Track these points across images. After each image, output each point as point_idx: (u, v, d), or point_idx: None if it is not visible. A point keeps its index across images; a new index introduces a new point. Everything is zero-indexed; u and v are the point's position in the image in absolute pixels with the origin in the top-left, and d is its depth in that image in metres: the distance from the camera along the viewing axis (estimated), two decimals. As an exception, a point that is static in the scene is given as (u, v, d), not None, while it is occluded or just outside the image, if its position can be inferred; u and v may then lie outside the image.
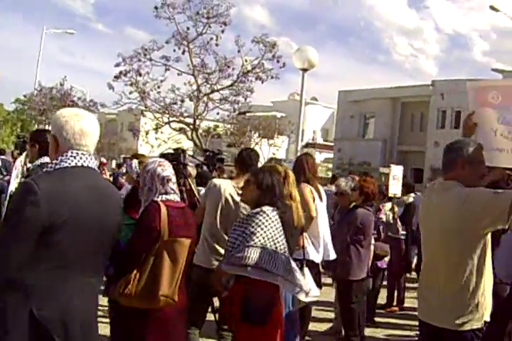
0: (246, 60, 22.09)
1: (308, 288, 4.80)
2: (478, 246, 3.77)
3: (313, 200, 6.48)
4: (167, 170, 4.20)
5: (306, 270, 5.79)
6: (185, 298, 4.15)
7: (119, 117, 51.72)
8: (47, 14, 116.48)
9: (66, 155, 3.01)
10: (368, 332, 7.47)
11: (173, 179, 4.23)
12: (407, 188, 10.38)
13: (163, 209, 3.96)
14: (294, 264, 4.69)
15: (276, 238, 4.52)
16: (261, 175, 4.80)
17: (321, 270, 7.26)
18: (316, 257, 6.54)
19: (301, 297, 4.73)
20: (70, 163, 2.99)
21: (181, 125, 23.74)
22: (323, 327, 7.92)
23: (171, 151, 7.48)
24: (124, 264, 3.83)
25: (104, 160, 15.83)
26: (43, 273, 2.83)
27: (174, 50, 22.08)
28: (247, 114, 29.63)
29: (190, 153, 23.53)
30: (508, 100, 4.28)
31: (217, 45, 22.15)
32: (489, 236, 3.85)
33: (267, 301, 4.48)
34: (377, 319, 8.49)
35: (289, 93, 52.29)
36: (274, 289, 4.56)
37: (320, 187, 6.87)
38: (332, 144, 44.11)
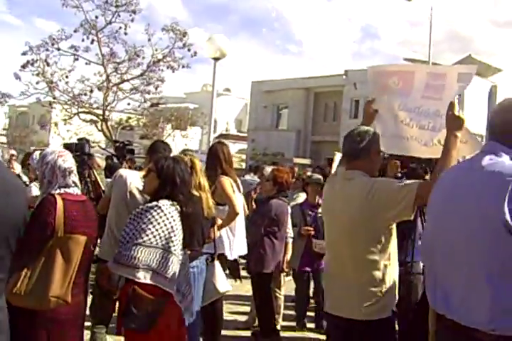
0: (156, 49, 21.75)
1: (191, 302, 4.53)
2: (383, 237, 3.74)
3: (233, 192, 6.19)
4: (68, 161, 3.92)
5: (216, 263, 5.57)
6: (83, 298, 3.90)
7: (30, 110, 50.30)
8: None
9: None
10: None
11: (75, 171, 3.95)
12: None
13: (60, 203, 3.69)
14: (185, 267, 4.42)
15: (170, 237, 4.17)
16: (162, 163, 4.43)
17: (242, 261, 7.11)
18: (229, 252, 6.30)
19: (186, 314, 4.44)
20: None
21: (91, 116, 23.04)
22: (240, 320, 7.75)
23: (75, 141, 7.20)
24: (16, 261, 3.43)
25: (13, 152, 15.39)
26: None
27: (83, 40, 21.51)
28: (160, 106, 29.18)
29: (103, 144, 23.03)
30: (407, 86, 4.19)
31: (126, 33, 21.67)
32: (394, 226, 3.82)
33: (152, 307, 4.07)
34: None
35: (202, 84, 52.06)
36: (163, 294, 4.16)
37: (237, 178, 6.61)
38: (245, 135, 44.07)
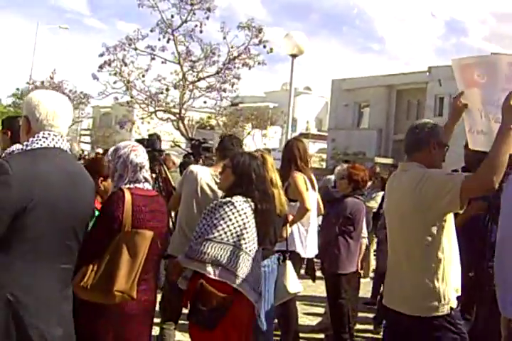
0: (232, 47, 21.67)
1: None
2: (435, 229, 3.65)
3: (307, 189, 6.10)
4: (140, 155, 3.85)
5: (288, 263, 5.45)
6: (152, 295, 3.82)
7: (113, 110, 51.64)
8: (42, 10, 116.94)
9: (38, 136, 2.99)
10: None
11: (147, 166, 3.89)
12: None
13: (128, 198, 3.63)
14: (258, 265, 4.34)
15: (242, 234, 4.13)
16: (238, 159, 4.41)
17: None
18: (302, 250, 6.18)
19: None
20: (41, 144, 2.98)
21: (168, 115, 23.30)
22: (313, 322, 7.60)
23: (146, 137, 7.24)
24: (83, 254, 3.42)
25: (100, 150, 15.81)
26: (14, 257, 2.82)
27: (159, 39, 21.74)
28: (240, 105, 29.37)
29: (184, 144, 23.30)
30: (491, 79, 3.93)
31: (201, 32, 21.75)
32: (451, 221, 3.72)
33: (219, 304, 4.02)
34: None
35: (282, 83, 52.03)
36: (232, 291, 4.11)
37: (312, 175, 6.47)
38: (326, 134, 43.74)
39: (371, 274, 10.58)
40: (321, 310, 7.88)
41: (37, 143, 2.98)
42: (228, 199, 4.21)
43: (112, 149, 3.93)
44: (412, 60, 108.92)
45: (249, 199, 4.26)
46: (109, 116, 54.68)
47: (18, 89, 36.48)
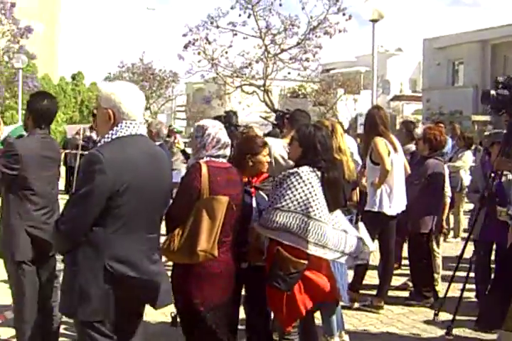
0: (311, 17, 21.75)
1: (358, 249, 4.65)
2: None
3: (389, 153, 6.40)
4: (225, 134, 4.26)
5: (360, 225, 5.68)
6: (232, 256, 4.20)
7: (205, 86, 52.24)
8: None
9: (121, 126, 3.36)
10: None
11: (229, 145, 4.29)
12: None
13: (205, 169, 4.04)
14: (332, 228, 4.51)
15: (309, 202, 4.37)
16: (303, 131, 4.66)
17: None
18: (389, 210, 6.47)
19: (342, 260, 4.60)
20: (125, 133, 3.36)
21: (254, 88, 23.65)
22: (397, 282, 7.77)
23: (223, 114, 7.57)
24: (169, 222, 4.02)
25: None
26: (111, 231, 3.26)
27: (240, 15, 22.15)
28: (331, 71, 29.25)
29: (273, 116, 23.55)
30: None
31: (280, 5, 21.95)
32: None
33: (294, 269, 4.35)
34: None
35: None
36: (305, 256, 4.40)
37: (394, 139, 6.72)
38: (420, 95, 42.81)
39: (462, 234, 10.57)
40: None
41: (121, 132, 3.36)
42: (295, 169, 4.47)
43: (198, 126, 4.31)
44: (508, 12, 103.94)
45: (315, 169, 4.49)
46: (202, 92, 55.40)
47: (109, 73, 37.45)
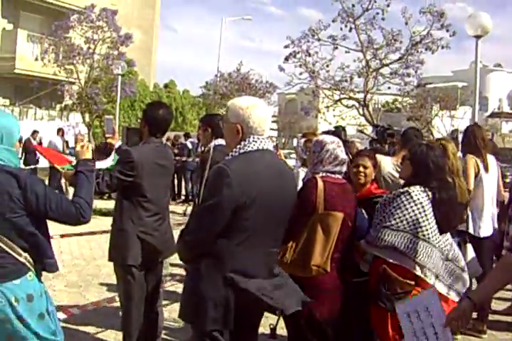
0: (414, 32, 21.48)
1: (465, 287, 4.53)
2: None
3: (478, 172, 6.23)
4: (343, 151, 4.31)
5: (468, 246, 5.54)
6: (341, 274, 4.20)
7: (297, 97, 52.37)
8: (224, 2, 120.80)
9: (249, 141, 3.43)
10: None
11: (347, 162, 4.35)
12: None
13: (320, 185, 4.09)
14: (441, 253, 4.41)
15: (419, 222, 4.30)
16: (415, 150, 4.61)
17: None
18: (480, 231, 6.25)
19: (443, 290, 4.40)
20: (252, 147, 3.42)
21: (353, 102, 23.53)
22: (500, 306, 7.55)
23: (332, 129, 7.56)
24: (284, 235, 3.97)
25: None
26: (235, 243, 3.32)
27: (341, 28, 22.10)
28: (426, 86, 28.73)
29: (370, 129, 23.41)
30: None
31: (383, 19, 21.74)
32: None
33: (401, 289, 4.28)
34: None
35: (471, 61, 49.92)
36: (413, 277, 4.33)
37: (490, 157, 6.53)
38: (520, 112, 41.47)
39: None
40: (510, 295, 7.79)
41: (248, 147, 3.43)
42: (406, 189, 4.42)
43: (316, 141, 4.36)
44: None
45: (426, 189, 4.43)
46: (295, 103, 55.44)
47: (206, 82, 37.98)
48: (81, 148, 3.67)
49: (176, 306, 6.93)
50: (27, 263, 3.25)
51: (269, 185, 3.39)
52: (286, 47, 22.67)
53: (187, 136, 19.51)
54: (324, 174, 4.20)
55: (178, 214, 13.96)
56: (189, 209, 14.67)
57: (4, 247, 3.18)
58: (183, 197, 18.17)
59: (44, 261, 3.34)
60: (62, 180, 15.13)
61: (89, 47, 25.88)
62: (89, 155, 3.64)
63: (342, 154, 4.27)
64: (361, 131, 12.74)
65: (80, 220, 3.30)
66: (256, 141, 3.44)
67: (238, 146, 3.44)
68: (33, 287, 3.27)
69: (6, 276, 3.18)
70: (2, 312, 3.16)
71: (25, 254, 3.25)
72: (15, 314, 3.17)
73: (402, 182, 4.87)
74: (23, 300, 3.20)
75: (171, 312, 6.36)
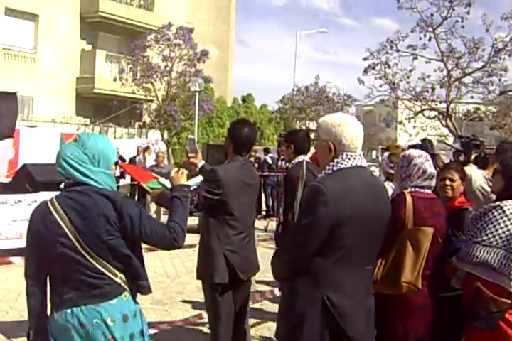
0: (496, 39, 21.04)
1: None
2: None
3: None
4: (431, 165, 4.20)
5: None
6: (431, 292, 4.08)
7: (376, 108, 52.07)
8: (296, 15, 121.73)
9: (342, 158, 3.38)
10: None
11: (435, 176, 4.23)
12: None
13: (409, 200, 3.99)
14: None
15: None
16: (506, 163, 4.45)
17: None
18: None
19: None
20: (346, 165, 3.36)
21: (435, 112, 23.16)
22: None
23: (419, 142, 7.41)
24: None
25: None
26: (330, 262, 3.26)
27: (420, 38, 21.87)
28: (510, 93, 27.92)
29: (451, 139, 23.00)
30: None
31: (463, 27, 21.39)
32: None
33: (496, 307, 4.07)
34: None
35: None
36: (508, 295, 4.11)
37: None
38: None
39: None
40: None
41: (342, 164, 3.37)
42: (498, 203, 4.22)
43: (404, 155, 4.28)
44: None
45: None
46: (373, 114, 55.22)
47: (283, 97, 38.04)
48: (176, 173, 3.68)
49: (263, 324, 6.99)
50: (122, 284, 3.27)
51: (365, 201, 3.33)
52: (365, 59, 22.63)
53: (266, 151, 19.54)
54: (413, 189, 4.10)
55: (260, 229, 13.96)
56: (270, 224, 14.72)
57: (101, 268, 3.21)
58: (263, 213, 18.18)
59: (138, 283, 3.35)
60: (148, 198, 15.37)
61: (166, 65, 26.36)
62: (184, 180, 3.64)
63: (430, 168, 4.15)
64: (443, 142, 12.47)
65: (173, 244, 3.30)
66: (349, 158, 3.38)
67: (331, 164, 3.39)
68: (128, 307, 3.29)
69: (102, 296, 3.21)
70: (98, 332, 3.18)
71: (121, 275, 3.27)
72: (110, 334, 3.20)
73: (493, 197, 4.71)
74: (119, 320, 3.23)
75: (257, 330, 6.33)
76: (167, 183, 4.91)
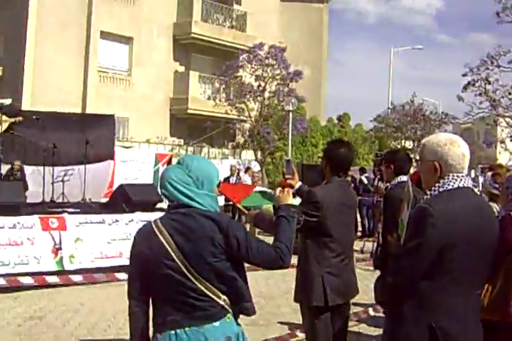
0: None
1: None
2: None
3: None
4: None
5: None
6: None
7: (474, 126, 50.79)
8: (389, 30, 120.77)
9: (448, 178, 3.30)
10: None
11: None
12: None
13: None
14: None
15: None
16: None
17: None
18: None
19: None
20: (453, 185, 3.28)
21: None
22: None
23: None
24: None
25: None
26: (438, 287, 3.16)
27: (522, 53, 21.40)
28: None
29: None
30: None
31: None
32: None
33: None
34: None
35: None
36: None
37: None
38: None
39: None
40: None
41: (448, 185, 3.29)
42: None
43: (510, 177, 4.20)
44: None
45: None
46: (471, 132, 53.86)
47: (378, 115, 37.51)
48: (281, 192, 3.66)
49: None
50: (226, 306, 3.26)
51: (473, 223, 3.22)
52: (464, 75, 22.32)
53: (362, 170, 19.32)
54: None
55: (356, 251, 13.76)
56: (367, 245, 14.52)
57: (205, 290, 3.21)
58: (359, 234, 17.95)
59: (241, 304, 3.34)
60: (243, 219, 15.47)
61: (259, 85, 26.55)
62: (290, 200, 3.62)
63: None
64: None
65: (279, 264, 3.28)
66: (456, 179, 3.29)
67: (437, 184, 3.31)
68: (231, 329, 3.27)
69: (206, 318, 3.21)
70: None
71: (224, 297, 3.26)
72: None
73: None
74: None
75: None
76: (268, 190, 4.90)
